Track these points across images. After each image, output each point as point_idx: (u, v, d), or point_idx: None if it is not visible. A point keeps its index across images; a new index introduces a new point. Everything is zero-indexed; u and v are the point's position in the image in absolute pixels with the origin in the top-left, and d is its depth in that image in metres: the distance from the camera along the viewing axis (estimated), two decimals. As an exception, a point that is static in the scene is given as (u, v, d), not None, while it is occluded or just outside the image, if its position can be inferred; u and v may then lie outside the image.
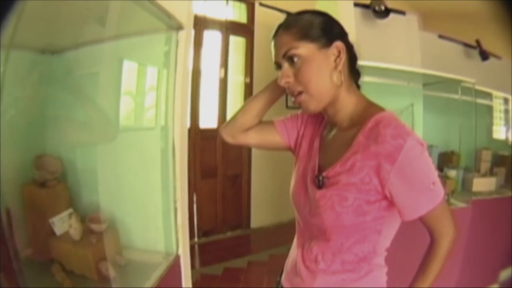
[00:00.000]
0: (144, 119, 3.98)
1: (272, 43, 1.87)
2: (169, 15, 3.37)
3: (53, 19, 3.00)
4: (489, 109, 6.69)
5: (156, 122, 3.85)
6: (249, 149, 8.06)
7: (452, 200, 5.32)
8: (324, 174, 1.84)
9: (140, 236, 3.80)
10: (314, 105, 1.83)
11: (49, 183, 3.32)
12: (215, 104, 7.82)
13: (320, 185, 1.84)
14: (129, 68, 3.85)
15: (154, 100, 3.91)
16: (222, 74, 7.83)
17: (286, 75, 1.81)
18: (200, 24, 7.30)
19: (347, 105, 1.87)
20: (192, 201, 7.34)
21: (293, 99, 1.85)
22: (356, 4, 4.94)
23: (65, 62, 3.57)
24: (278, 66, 1.86)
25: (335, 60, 1.78)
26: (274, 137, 2.22)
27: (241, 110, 2.22)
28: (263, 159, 8.13)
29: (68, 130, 3.59)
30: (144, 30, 3.60)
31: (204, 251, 7.36)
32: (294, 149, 2.21)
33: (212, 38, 7.62)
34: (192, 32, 4.04)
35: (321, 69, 1.77)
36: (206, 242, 7.63)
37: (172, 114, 3.70)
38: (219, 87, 7.82)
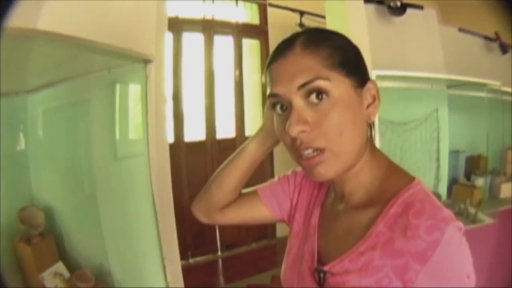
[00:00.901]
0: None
1: (276, 67, 1.20)
2: (127, 50, 3.16)
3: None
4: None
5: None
6: (270, 157, 7.51)
7: (480, 215, 4.82)
8: (327, 268, 1.24)
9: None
10: (336, 169, 1.19)
11: (34, 240, 3.16)
12: (232, 113, 7.34)
13: (321, 283, 1.27)
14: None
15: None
16: (238, 80, 7.31)
17: (303, 119, 1.13)
18: (210, 28, 6.85)
19: (365, 172, 1.26)
20: None
21: (305, 154, 1.16)
22: (368, 0, 4.42)
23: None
24: (280, 103, 1.20)
25: (367, 107, 1.22)
26: (261, 211, 1.61)
27: (216, 181, 1.61)
28: (284, 166, 7.42)
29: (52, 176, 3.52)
30: (101, 68, 3.38)
31: (228, 266, 6.89)
32: (288, 222, 1.60)
33: (224, 43, 7.12)
34: (166, 63, 3.68)
35: (356, 117, 1.18)
36: (230, 256, 7.19)
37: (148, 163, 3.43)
38: (235, 94, 7.32)
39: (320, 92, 1.12)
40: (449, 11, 5.53)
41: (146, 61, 3.27)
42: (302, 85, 1.12)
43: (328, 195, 1.44)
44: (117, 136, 3.59)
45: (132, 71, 3.36)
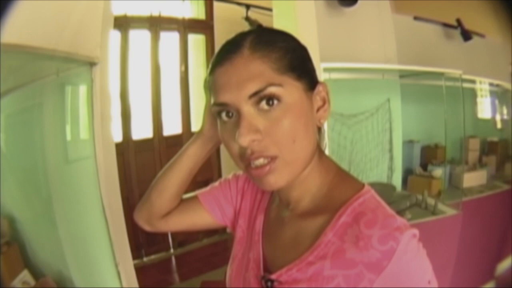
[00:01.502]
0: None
1: (222, 70, 1.18)
2: (73, 54, 3.27)
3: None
4: (473, 92, 6.41)
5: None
6: (218, 153, 7.69)
7: (440, 206, 4.96)
8: (274, 276, 1.28)
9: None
10: (287, 178, 1.20)
11: (2, 249, 3.20)
12: (178, 109, 7.45)
13: None
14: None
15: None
16: (183, 76, 7.45)
17: (254, 128, 1.14)
18: (156, 24, 6.99)
19: (313, 178, 1.29)
20: None
21: (255, 164, 1.18)
22: None
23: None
24: (226, 111, 1.20)
25: (317, 110, 1.25)
26: (204, 217, 1.64)
27: (156, 187, 1.61)
28: (233, 162, 7.67)
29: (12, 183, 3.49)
30: (50, 73, 3.42)
31: (182, 263, 7.06)
32: (231, 228, 1.65)
33: (170, 39, 7.27)
34: (112, 64, 3.80)
35: (309, 122, 1.20)
36: (183, 253, 7.35)
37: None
38: (180, 90, 7.48)
39: (271, 99, 1.13)
40: (404, 1, 5.73)
41: (92, 64, 3.39)
42: (253, 94, 1.12)
43: (272, 199, 1.48)
44: (68, 138, 3.72)
45: (78, 74, 3.49)
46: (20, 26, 2.66)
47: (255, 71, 1.13)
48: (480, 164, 6.13)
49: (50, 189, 3.48)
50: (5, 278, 3.11)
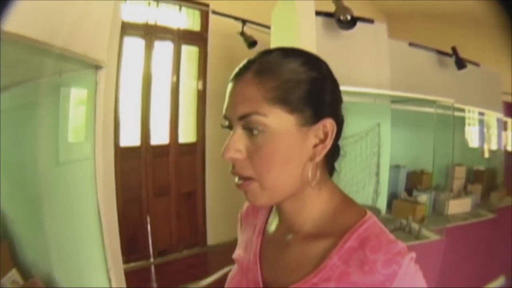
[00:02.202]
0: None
1: (230, 87, 1.27)
2: (81, 56, 3.25)
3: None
4: (462, 121, 6.46)
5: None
6: (202, 165, 7.84)
7: (424, 231, 5.09)
8: None
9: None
10: (265, 200, 1.29)
11: None
12: (166, 119, 7.57)
13: None
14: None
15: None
16: (174, 86, 7.54)
17: (235, 147, 1.23)
18: (151, 33, 7.11)
19: (314, 204, 1.33)
20: (146, 221, 7.25)
21: (236, 179, 1.28)
22: (317, 13, 4.49)
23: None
24: (228, 124, 1.28)
25: (315, 146, 1.26)
26: None
27: None
28: (218, 174, 7.97)
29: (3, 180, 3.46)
30: (53, 72, 3.40)
31: (161, 272, 7.10)
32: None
33: (164, 49, 7.41)
34: (116, 68, 3.85)
35: (292, 156, 1.24)
36: (162, 263, 7.35)
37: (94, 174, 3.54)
38: (170, 100, 7.59)
39: (255, 126, 1.18)
40: (400, 25, 5.80)
41: (97, 67, 3.41)
42: (241, 117, 1.20)
43: (270, 222, 1.52)
44: (61, 140, 3.67)
45: (82, 76, 3.51)
46: (25, 17, 2.65)
47: (248, 96, 1.20)
48: (465, 192, 6.22)
49: (39, 190, 3.50)
50: None
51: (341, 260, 1.21)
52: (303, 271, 1.26)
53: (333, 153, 1.35)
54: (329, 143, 1.24)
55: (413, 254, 1.19)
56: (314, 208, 1.32)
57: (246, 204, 1.67)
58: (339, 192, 1.37)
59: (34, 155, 3.55)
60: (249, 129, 1.21)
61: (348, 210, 1.32)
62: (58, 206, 3.58)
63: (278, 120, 1.18)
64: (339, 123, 1.30)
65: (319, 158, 1.25)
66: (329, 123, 1.23)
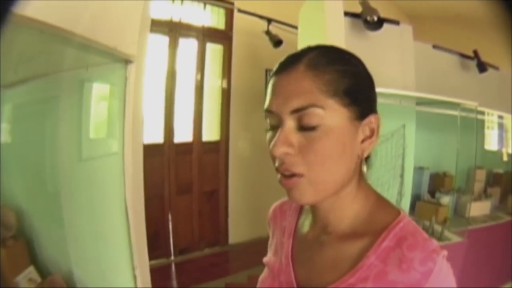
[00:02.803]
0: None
1: (277, 80, 1.22)
2: (111, 49, 3.16)
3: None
4: (482, 124, 6.43)
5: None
6: (225, 164, 7.78)
7: (446, 233, 5.09)
8: None
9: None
10: (311, 198, 1.23)
11: (7, 242, 3.10)
12: (190, 117, 7.53)
13: None
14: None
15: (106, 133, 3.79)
16: (198, 84, 7.54)
17: (288, 141, 1.17)
18: (176, 30, 7.03)
19: (351, 203, 1.30)
20: (168, 218, 7.21)
21: (278, 176, 1.22)
22: (344, 13, 4.43)
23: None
24: (273, 118, 1.22)
25: (362, 141, 1.23)
26: None
27: None
28: (241, 173, 7.95)
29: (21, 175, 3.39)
30: (84, 65, 3.33)
31: (181, 270, 7.04)
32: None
33: (188, 46, 7.36)
34: (145, 63, 3.76)
35: (345, 151, 1.20)
36: (183, 261, 7.31)
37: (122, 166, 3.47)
38: (194, 98, 7.54)
39: (311, 119, 1.14)
40: (425, 27, 5.76)
41: (127, 61, 3.33)
42: (295, 110, 1.14)
43: (301, 223, 1.49)
44: (86, 135, 3.63)
45: (111, 70, 3.42)
46: (49, 5, 2.59)
47: (303, 88, 1.15)
48: (485, 194, 6.18)
49: (59, 186, 3.44)
50: (8, 273, 2.97)
51: (379, 259, 1.19)
52: (339, 272, 1.24)
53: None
54: (375, 139, 1.23)
55: (445, 252, 1.17)
56: (350, 207, 1.29)
57: (272, 207, 1.64)
58: (374, 191, 1.35)
59: (55, 151, 3.49)
60: (303, 123, 1.15)
61: (383, 209, 1.29)
62: (80, 202, 3.52)
63: (334, 113, 1.15)
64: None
65: (367, 152, 1.24)
66: (375, 119, 1.22)
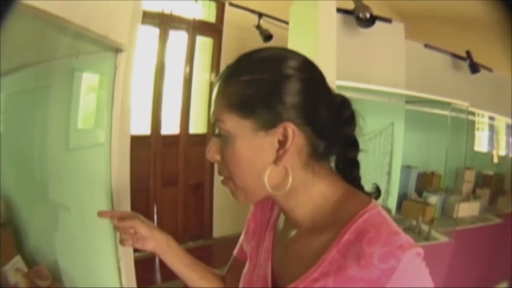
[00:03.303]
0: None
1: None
2: (102, 37, 3.09)
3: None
4: (472, 124, 6.45)
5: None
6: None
7: (434, 233, 5.11)
8: None
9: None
10: (242, 199, 1.34)
11: None
12: (178, 109, 7.51)
13: None
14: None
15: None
16: (187, 77, 7.48)
17: (213, 149, 1.33)
18: (166, 22, 6.99)
19: (308, 201, 1.33)
20: (153, 210, 7.25)
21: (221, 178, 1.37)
22: (336, 10, 4.40)
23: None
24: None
25: (278, 150, 1.25)
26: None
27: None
28: None
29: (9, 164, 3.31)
30: (75, 53, 3.31)
31: (164, 263, 6.84)
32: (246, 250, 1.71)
33: (178, 38, 7.26)
34: (136, 52, 3.67)
35: (252, 160, 1.26)
36: None
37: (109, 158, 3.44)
38: (182, 90, 7.51)
39: (221, 132, 1.27)
40: (416, 27, 5.76)
41: (118, 50, 3.30)
42: (213, 123, 1.30)
43: (280, 218, 1.53)
44: (74, 125, 3.60)
45: (102, 59, 3.40)
46: None
47: (215, 103, 1.28)
48: (473, 195, 6.22)
49: (47, 175, 3.45)
50: None
51: (339, 254, 1.20)
52: (305, 265, 1.27)
53: (328, 150, 1.33)
54: (289, 147, 1.22)
55: (419, 250, 1.16)
56: (309, 204, 1.33)
57: None
58: (342, 185, 1.35)
59: (43, 140, 3.49)
60: (219, 134, 1.29)
61: (351, 201, 1.30)
62: (67, 192, 3.50)
63: (235, 126, 1.23)
64: (314, 124, 1.26)
65: (281, 162, 1.24)
66: (289, 127, 1.22)
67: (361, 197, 1.31)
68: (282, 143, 1.23)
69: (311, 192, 1.32)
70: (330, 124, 1.30)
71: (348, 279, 1.16)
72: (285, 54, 1.31)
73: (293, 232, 1.39)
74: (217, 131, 1.31)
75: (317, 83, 1.31)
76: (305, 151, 1.27)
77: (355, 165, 1.42)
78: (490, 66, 5.94)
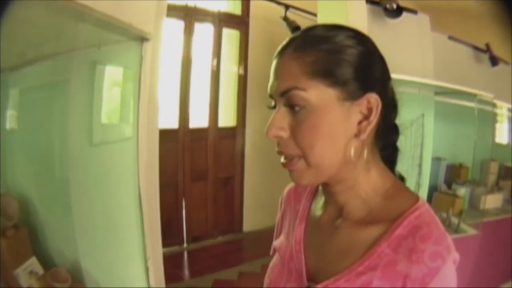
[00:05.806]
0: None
1: (273, 65, 1.19)
2: (127, 25, 2.99)
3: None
4: (494, 116, 6.25)
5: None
6: (242, 150, 7.60)
7: (462, 225, 5.03)
8: (319, 287, 1.21)
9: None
10: (311, 179, 1.18)
11: (8, 232, 2.91)
12: (206, 103, 7.29)
13: None
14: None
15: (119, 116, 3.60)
16: (214, 70, 7.24)
17: (279, 125, 1.15)
18: (191, 15, 6.79)
19: (363, 185, 1.21)
20: (181, 205, 7.06)
21: (282, 159, 1.19)
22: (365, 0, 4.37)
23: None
24: (274, 104, 1.20)
25: (359, 123, 1.14)
26: None
27: None
28: (257, 160, 7.75)
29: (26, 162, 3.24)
30: (96, 43, 3.16)
31: (194, 259, 6.87)
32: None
33: (204, 31, 7.05)
34: (162, 42, 3.58)
35: (334, 132, 1.12)
36: (196, 249, 7.16)
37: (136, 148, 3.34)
38: (210, 83, 7.25)
39: (297, 103, 1.12)
40: (441, 18, 5.63)
41: (143, 39, 3.14)
42: (283, 93, 1.13)
43: (314, 207, 1.41)
44: (97, 120, 3.45)
45: (126, 49, 3.24)
46: None
47: (288, 71, 1.13)
48: (497, 187, 6.09)
49: (67, 172, 3.29)
50: (7, 265, 2.91)
51: (390, 248, 1.12)
52: (350, 259, 1.18)
53: (388, 132, 1.27)
54: (373, 119, 1.14)
55: (457, 256, 1.10)
56: (362, 189, 1.22)
57: (287, 189, 1.58)
58: (391, 175, 1.27)
59: (64, 136, 3.31)
60: (291, 106, 1.14)
61: (400, 195, 1.21)
62: (90, 189, 3.36)
63: (318, 94, 1.11)
64: (389, 100, 1.22)
65: (364, 135, 1.14)
66: (373, 98, 1.13)
67: (409, 192, 1.22)
68: (365, 116, 1.14)
69: (368, 176, 1.21)
70: (394, 102, 1.26)
71: (396, 274, 1.08)
72: (360, 31, 1.22)
73: (338, 222, 1.27)
74: (276, 105, 1.18)
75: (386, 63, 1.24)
76: (375, 128, 1.19)
77: (396, 149, 1.34)
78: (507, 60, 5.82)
